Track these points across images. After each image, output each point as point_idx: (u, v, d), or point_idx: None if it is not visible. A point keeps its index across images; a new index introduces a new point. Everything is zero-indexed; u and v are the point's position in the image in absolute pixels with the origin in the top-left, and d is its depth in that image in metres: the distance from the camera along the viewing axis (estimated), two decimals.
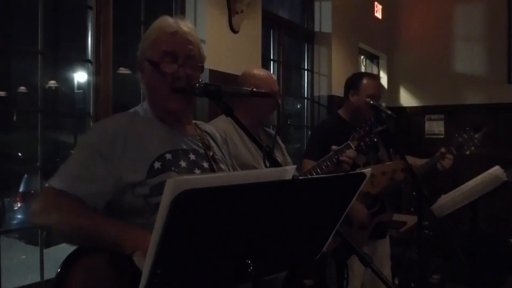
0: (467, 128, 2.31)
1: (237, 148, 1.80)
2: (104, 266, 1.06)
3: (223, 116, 1.90)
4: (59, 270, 1.08)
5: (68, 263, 1.09)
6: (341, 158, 1.94)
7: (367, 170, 0.96)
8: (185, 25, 1.31)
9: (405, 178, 2.20)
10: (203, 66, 1.34)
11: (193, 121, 1.44)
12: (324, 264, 2.35)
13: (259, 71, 2.01)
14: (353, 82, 2.41)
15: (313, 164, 2.01)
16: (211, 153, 1.35)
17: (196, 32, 1.35)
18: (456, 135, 2.32)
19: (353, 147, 1.98)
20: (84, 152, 1.21)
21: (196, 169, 1.28)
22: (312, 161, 2.10)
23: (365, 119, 2.34)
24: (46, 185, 1.19)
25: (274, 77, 2.08)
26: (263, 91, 1.69)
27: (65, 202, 1.12)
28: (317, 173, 1.97)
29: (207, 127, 1.48)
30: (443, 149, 2.27)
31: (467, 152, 2.29)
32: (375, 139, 2.05)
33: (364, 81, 2.36)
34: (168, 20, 1.31)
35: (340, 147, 1.99)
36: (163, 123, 1.32)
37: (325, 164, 1.96)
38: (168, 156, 1.24)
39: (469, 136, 2.28)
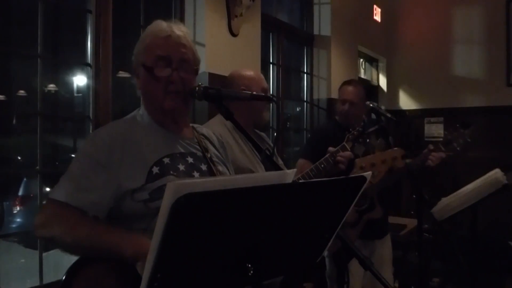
0: (457, 125, 2.34)
1: (233, 151, 1.80)
2: (107, 274, 1.07)
3: (217, 119, 1.92)
4: (63, 278, 1.08)
5: (71, 272, 1.09)
6: (337, 158, 1.99)
7: (368, 174, 0.95)
8: (178, 29, 1.31)
9: (402, 170, 2.22)
10: (197, 69, 1.34)
11: (191, 124, 1.44)
12: (323, 267, 2.36)
13: (247, 71, 2.02)
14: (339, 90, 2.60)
15: (307, 164, 2.10)
16: (209, 155, 1.35)
17: (190, 36, 1.35)
18: (446, 132, 2.36)
19: (348, 148, 2.05)
20: (83, 162, 1.22)
21: (195, 172, 1.28)
22: (306, 161, 2.20)
23: (350, 123, 2.38)
24: (48, 197, 1.19)
25: (262, 75, 2.10)
26: (263, 94, 1.70)
27: (67, 214, 1.13)
28: (314, 174, 2.02)
29: (204, 130, 1.49)
30: (431, 146, 2.31)
31: (458, 149, 2.31)
32: (368, 140, 2.09)
33: (341, 88, 2.55)
34: (161, 25, 1.31)
35: (336, 148, 2.04)
36: (160, 127, 1.32)
37: (322, 165, 2.03)
38: (166, 160, 1.24)
39: (459, 133, 2.31)
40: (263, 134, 2.13)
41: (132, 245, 1.04)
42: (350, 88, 2.51)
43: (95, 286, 1.06)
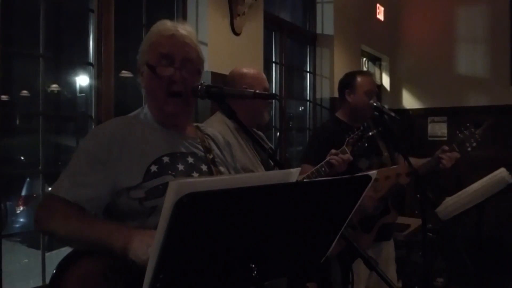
0: (468, 125, 2.30)
1: (234, 151, 1.79)
2: (99, 272, 1.06)
3: (217, 117, 1.91)
4: (54, 272, 1.08)
5: (62, 268, 1.09)
6: (330, 160, 1.96)
7: (373, 173, 0.94)
8: (183, 28, 1.31)
9: (410, 181, 2.19)
10: (200, 70, 1.33)
11: (195, 124, 1.43)
12: (328, 267, 2.34)
13: (249, 70, 2.01)
14: (348, 81, 2.41)
15: (310, 169, 2.04)
16: (211, 156, 1.34)
17: (195, 35, 1.35)
18: (457, 131, 2.32)
19: (348, 151, 2.01)
20: (82, 158, 1.23)
21: (194, 172, 1.27)
22: (309, 166, 2.11)
23: (364, 117, 2.35)
24: (48, 191, 1.20)
25: (263, 74, 2.09)
26: (266, 93, 1.69)
27: (63, 209, 1.14)
28: (315, 177, 2.00)
29: (209, 130, 1.48)
30: (445, 147, 2.26)
31: (469, 149, 2.28)
32: (366, 144, 2.07)
33: (359, 78, 2.36)
34: (166, 24, 1.31)
35: (336, 151, 2.02)
36: (162, 126, 1.32)
37: (323, 168, 2.00)
38: (166, 159, 1.23)
39: (470, 132, 2.27)
40: (261, 133, 2.12)
41: (123, 238, 1.03)
42: (373, 79, 2.36)
43: (85, 282, 1.06)
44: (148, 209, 1.16)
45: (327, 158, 2.00)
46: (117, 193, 1.18)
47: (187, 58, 1.28)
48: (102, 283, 1.05)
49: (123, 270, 1.00)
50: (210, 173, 1.30)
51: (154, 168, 1.20)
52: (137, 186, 1.17)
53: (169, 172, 1.21)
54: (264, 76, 2.06)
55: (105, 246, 1.04)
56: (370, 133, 2.11)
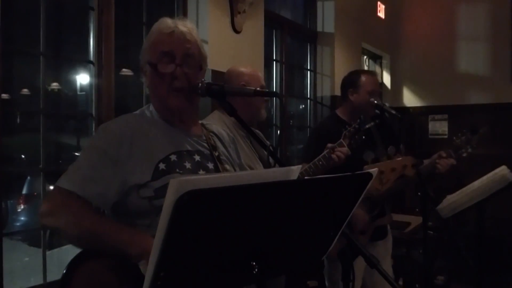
0: (464, 130, 2.30)
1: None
2: (108, 271, 1.06)
3: (215, 116, 1.91)
4: (64, 272, 1.08)
5: (72, 268, 1.09)
6: (331, 155, 1.95)
7: (374, 170, 0.94)
8: (183, 25, 1.30)
9: (413, 177, 2.17)
10: (202, 65, 1.33)
11: (200, 122, 1.43)
12: (322, 265, 2.34)
13: (246, 68, 2.02)
14: (352, 80, 2.39)
15: None
16: (216, 154, 1.34)
17: (196, 32, 1.34)
18: (454, 137, 2.31)
19: (345, 145, 2.01)
20: (92, 153, 1.22)
21: (201, 170, 1.27)
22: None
23: (367, 116, 2.34)
24: (55, 185, 1.18)
25: (260, 72, 2.09)
26: (266, 90, 1.69)
27: (74, 205, 1.13)
28: (313, 171, 2.01)
29: (214, 127, 1.48)
30: (442, 153, 2.25)
31: (464, 155, 2.28)
32: (364, 137, 2.06)
33: (363, 78, 2.35)
34: (166, 21, 1.31)
35: (334, 144, 2.03)
36: (168, 124, 1.32)
37: (320, 162, 2.00)
38: (173, 157, 1.24)
39: (467, 138, 2.27)
40: (259, 132, 2.12)
41: (138, 244, 1.03)
42: (378, 79, 2.34)
43: (95, 281, 1.06)
44: (157, 208, 1.15)
45: (324, 152, 2.00)
46: (126, 192, 1.18)
47: (188, 54, 1.28)
48: (112, 281, 1.06)
49: (133, 268, 1.01)
50: (216, 170, 1.30)
51: (162, 166, 1.20)
52: (146, 184, 1.17)
53: (177, 170, 1.22)
54: (260, 74, 2.07)
55: (120, 252, 1.04)
56: (367, 126, 2.10)
